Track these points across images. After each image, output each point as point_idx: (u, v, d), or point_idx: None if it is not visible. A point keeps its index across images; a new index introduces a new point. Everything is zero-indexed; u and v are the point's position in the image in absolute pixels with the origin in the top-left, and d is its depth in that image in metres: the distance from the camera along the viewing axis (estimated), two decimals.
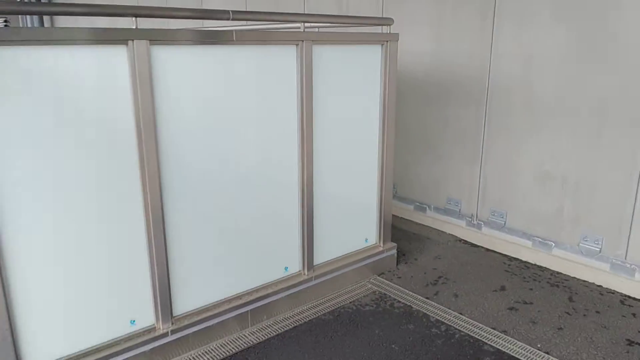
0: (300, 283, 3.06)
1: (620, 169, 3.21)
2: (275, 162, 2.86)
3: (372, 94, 3.27)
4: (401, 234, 4.15)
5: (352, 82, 3.13)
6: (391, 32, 3.20)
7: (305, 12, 5.00)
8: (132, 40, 2.19)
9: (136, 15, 2.19)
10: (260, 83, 2.69)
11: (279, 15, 2.76)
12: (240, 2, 5.95)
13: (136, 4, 7.39)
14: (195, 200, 2.56)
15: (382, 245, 3.52)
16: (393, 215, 3.56)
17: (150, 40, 2.24)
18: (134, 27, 2.21)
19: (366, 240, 3.47)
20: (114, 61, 2.19)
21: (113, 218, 2.30)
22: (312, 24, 3.28)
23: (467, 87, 3.95)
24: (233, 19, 2.51)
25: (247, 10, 5.52)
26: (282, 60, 2.76)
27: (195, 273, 2.64)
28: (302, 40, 2.76)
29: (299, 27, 2.81)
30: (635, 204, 3.18)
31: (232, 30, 2.51)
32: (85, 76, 2.12)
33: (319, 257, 3.19)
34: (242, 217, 2.77)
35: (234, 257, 2.79)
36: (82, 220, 2.22)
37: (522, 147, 3.68)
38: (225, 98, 2.58)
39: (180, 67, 2.38)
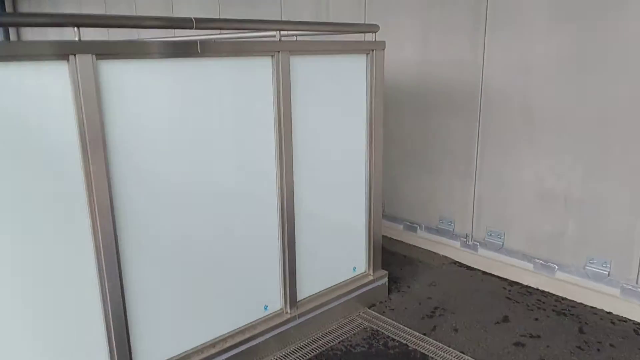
0: (282, 323, 2.71)
1: (628, 185, 2.94)
2: (250, 188, 2.52)
3: (358, 107, 2.96)
4: (391, 257, 3.84)
5: (335, 95, 2.82)
6: (377, 40, 2.90)
7: (282, 20, 4.68)
8: (74, 54, 1.83)
9: (78, 25, 1.85)
10: (232, 99, 2.36)
11: (250, 23, 2.43)
12: (214, 11, 5.61)
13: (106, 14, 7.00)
14: (157, 233, 2.20)
15: (372, 273, 3.20)
16: (382, 236, 3.24)
17: (96, 54, 1.89)
18: (77, 39, 1.86)
19: (354, 269, 3.15)
20: (54, 80, 1.83)
21: (55, 259, 1.94)
22: (289, 33, 2.97)
23: (459, 98, 3.67)
24: (197, 28, 2.18)
25: (221, 18, 5.17)
26: (256, 73, 2.43)
27: (160, 320, 2.28)
28: (278, 51, 2.43)
29: (274, 36, 2.49)
30: None
31: (196, 41, 2.17)
32: (21, 97, 1.76)
33: (303, 292, 2.85)
34: (213, 250, 2.42)
35: (206, 299, 2.44)
36: (17, 257, 1.85)
37: (520, 162, 3.40)
38: (192, 117, 2.23)
39: (135, 85, 2.04)
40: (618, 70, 2.88)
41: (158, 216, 2.19)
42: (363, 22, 4.05)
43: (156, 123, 2.12)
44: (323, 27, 2.94)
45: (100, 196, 1.97)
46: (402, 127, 4.08)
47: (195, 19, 2.16)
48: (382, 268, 3.27)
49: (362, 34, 3.66)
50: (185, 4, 5.97)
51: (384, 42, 2.90)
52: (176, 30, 4.57)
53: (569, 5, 3.01)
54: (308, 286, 2.88)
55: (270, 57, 2.44)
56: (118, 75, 1.98)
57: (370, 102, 2.96)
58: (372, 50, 2.88)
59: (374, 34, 2.90)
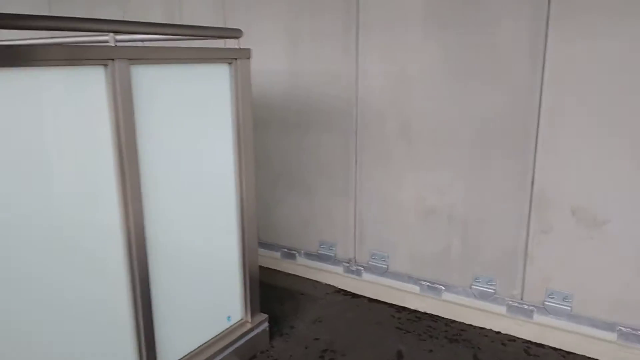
0: None
1: (509, 200, 2.86)
2: (84, 228, 1.92)
3: (222, 124, 2.49)
4: (270, 292, 3.40)
5: (194, 112, 2.32)
6: (241, 47, 2.46)
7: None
8: None
9: None
10: (55, 117, 1.75)
11: (72, 22, 1.83)
12: (44, 9, 4.71)
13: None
14: None
15: (250, 320, 2.73)
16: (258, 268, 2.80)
17: None
18: None
19: (229, 318, 2.65)
20: None
21: None
22: (130, 36, 2.40)
23: (333, 112, 3.37)
24: None
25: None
26: (86, 86, 1.85)
27: None
28: (113, 59, 1.87)
29: (108, 41, 1.93)
30: (528, 237, 2.85)
31: None
32: None
33: (165, 359, 2.29)
34: (33, 309, 1.78)
35: None
36: None
37: (401, 179, 3.19)
38: None
39: None
40: (495, 80, 2.78)
41: None
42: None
43: None
44: (171, 30, 2.41)
45: None
46: (273, 146, 3.68)
47: None
48: (261, 309, 2.82)
49: (223, 41, 3.21)
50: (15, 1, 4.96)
51: (249, 49, 2.48)
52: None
53: (442, 14, 2.86)
54: (171, 349, 2.33)
55: (103, 67, 1.88)
56: None
57: (237, 118, 2.51)
58: (236, 59, 2.43)
59: (236, 40, 2.45)
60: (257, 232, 2.74)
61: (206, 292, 2.51)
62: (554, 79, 2.62)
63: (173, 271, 2.30)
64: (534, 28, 2.62)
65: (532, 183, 2.78)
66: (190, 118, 2.31)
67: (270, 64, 3.52)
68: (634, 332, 2.63)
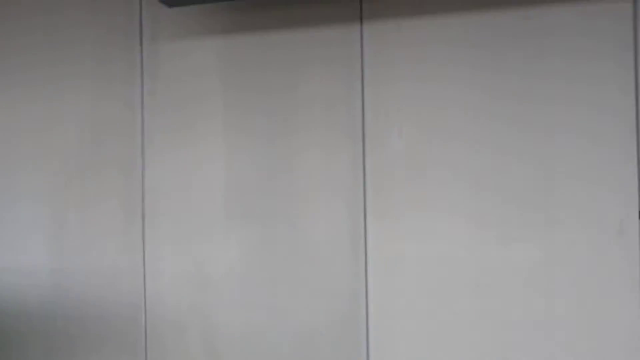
0: None
1: None
2: None
3: None
4: None
5: None
6: None
7: None
8: None
9: None
10: None
11: None
12: None
13: None
14: None
15: None
16: None
17: None
18: None
19: None
20: None
21: None
22: None
23: (114, 324, 2.54)
24: None
25: None
26: None
27: None
28: None
29: None
30: None
31: None
32: None
33: None
34: None
35: None
36: None
37: None
38: None
39: None
40: (311, 279, 2.29)
41: None
42: None
43: None
44: None
45: None
46: None
47: None
48: None
49: None
50: None
51: None
52: None
53: (246, 202, 2.37)
54: None
55: None
56: None
57: None
58: None
59: None
60: None
61: None
62: (381, 278, 2.22)
63: None
64: (353, 220, 2.23)
65: None
66: None
67: (22, 259, 2.62)
68: None
